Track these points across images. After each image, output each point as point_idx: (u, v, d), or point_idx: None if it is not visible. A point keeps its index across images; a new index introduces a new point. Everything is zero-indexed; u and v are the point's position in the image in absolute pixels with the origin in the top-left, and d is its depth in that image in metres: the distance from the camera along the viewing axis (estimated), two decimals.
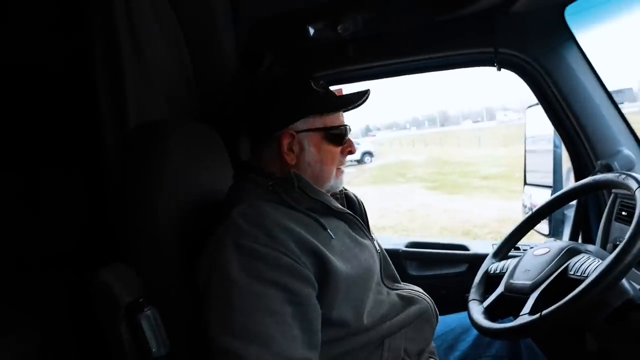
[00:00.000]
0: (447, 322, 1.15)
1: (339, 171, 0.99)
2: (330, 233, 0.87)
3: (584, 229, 1.36)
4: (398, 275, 1.05)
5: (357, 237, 0.95)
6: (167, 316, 0.87)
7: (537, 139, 1.97)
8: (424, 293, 1.04)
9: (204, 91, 1.39)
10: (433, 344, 1.05)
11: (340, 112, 0.99)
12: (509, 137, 20.39)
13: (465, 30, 1.31)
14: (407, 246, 1.61)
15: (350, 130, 1.00)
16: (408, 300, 0.98)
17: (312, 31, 1.37)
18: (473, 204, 8.35)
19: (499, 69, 1.31)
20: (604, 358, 1.00)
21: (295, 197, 0.88)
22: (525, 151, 2.00)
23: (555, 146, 1.81)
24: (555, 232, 1.61)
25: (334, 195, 1.02)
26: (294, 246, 0.80)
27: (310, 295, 0.80)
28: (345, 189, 1.07)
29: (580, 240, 1.40)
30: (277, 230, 0.80)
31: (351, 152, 1.00)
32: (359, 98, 0.98)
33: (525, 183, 2.01)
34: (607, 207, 1.15)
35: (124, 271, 0.89)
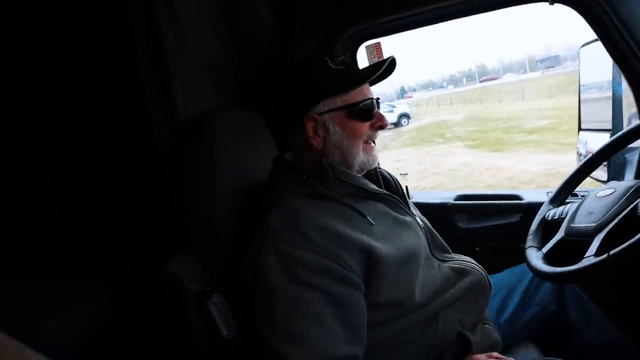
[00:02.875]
0: (494, 283, 1.12)
1: (368, 146, 0.96)
2: (370, 219, 0.87)
3: None
4: (448, 246, 1.04)
5: (398, 215, 0.94)
6: (231, 301, 0.92)
7: (592, 86, 1.84)
8: (476, 263, 1.02)
9: (244, 66, 1.40)
10: (487, 311, 1.04)
11: (366, 86, 0.96)
12: (554, 87, 19.17)
13: None
14: (455, 199, 1.58)
15: (377, 102, 0.97)
16: (461, 272, 0.97)
17: None
18: (518, 159, 8.03)
19: (552, 4, 1.21)
20: None
21: (330, 186, 0.89)
22: (579, 94, 1.87)
23: (614, 89, 1.68)
24: (615, 178, 1.52)
25: (368, 176, 1.01)
26: (334, 246, 0.81)
27: (350, 294, 0.81)
28: (379, 168, 1.06)
29: None
30: (312, 231, 0.81)
31: (382, 127, 0.97)
32: (381, 68, 0.93)
33: (580, 129, 1.89)
34: None
35: (190, 261, 0.94)
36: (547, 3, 1.21)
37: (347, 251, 0.81)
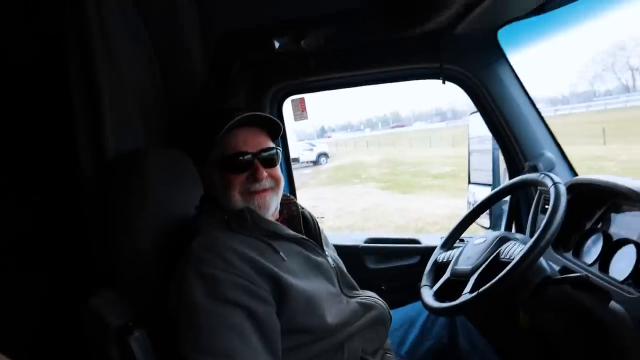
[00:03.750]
0: (397, 317, 1.29)
1: (246, 197, 1.02)
2: (282, 255, 0.97)
3: (516, 221, 1.57)
4: (356, 284, 1.16)
5: (311, 256, 1.04)
6: (155, 337, 0.94)
7: (481, 139, 2.19)
8: (379, 298, 1.16)
9: (176, 108, 1.45)
10: (388, 341, 1.18)
11: (243, 138, 1.01)
12: (457, 137, 21.36)
13: (415, 48, 1.48)
14: (365, 242, 1.77)
15: (254, 155, 1.01)
16: (367, 307, 1.10)
17: (277, 44, 1.48)
18: (424, 202, 8.73)
19: (443, 82, 1.49)
20: (534, 333, 1.19)
21: (248, 228, 0.98)
22: (469, 153, 2.20)
23: (493, 148, 2.02)
24: (495, 225, 1.82)
25: (290, 214, 1.13)
26: (248, 269, 0.90)
27: (267, 311, 0.90)
28: (302, 208, 1.17)
29: (513, 230, 1.61)
30: (232, 256, 0.90)
31: (257, 179, 1.01)
32: (228, 124, 0.98)
33: (469, 182, 2.22)
34: (535, 201, 1.36)
35: (112, 296, 0.94)
36: (440, 81, 1.49)
37: (259, 275, 0.90)
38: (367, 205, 9.10)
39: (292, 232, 1.04)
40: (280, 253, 0.97)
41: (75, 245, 1.13)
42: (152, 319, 0.96)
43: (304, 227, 1.13)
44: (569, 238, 1.24)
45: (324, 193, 11.39)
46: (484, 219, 1.85)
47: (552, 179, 1.03)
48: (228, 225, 0.97)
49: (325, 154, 21.68)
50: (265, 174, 1.02)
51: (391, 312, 1.17)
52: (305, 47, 1.46)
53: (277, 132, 1.10)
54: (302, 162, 19.98)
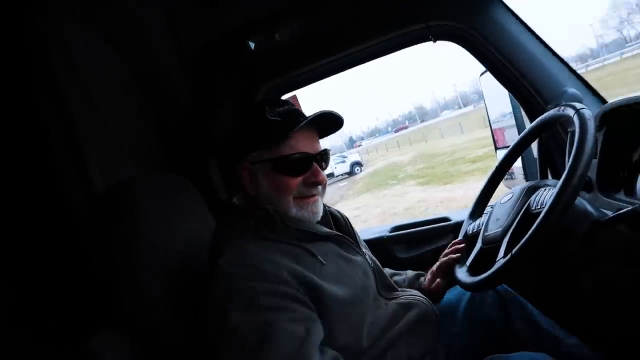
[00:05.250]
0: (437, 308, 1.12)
1: (301, 201, 0.94)
2: (321, 259, 0.88)
3: (551, 169, 1.37)
4: (394, 283, 1.05)
5: (349, 255, 0.96)
6: None
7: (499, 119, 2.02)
8: (420, 295, 1.03)
9: (164, 132, 1.42)
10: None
11: (301, 139, 0.92)
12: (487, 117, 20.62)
13: (396, 12, 1.36)
14: (390, 231, 1.62)
15: (320, 156, 0.94)
16: (405, 306, 0.97)
17: (252, 45, 1.42)
18: (468, 188, 8.38)
19: (434, 41, 1.36)
20: (600, 294, 1.01)
21: (279, 232, 0.88)
22: (489, 118, 2.04)
23: (514, 109, 1.85)
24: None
25: None
26: (282, 274, 0.80)
27: (311, 314, 0.81)
28: (329, 207, 1.07)
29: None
30: (265, 265, 0.81)
31: (317, 183, 0.94)
32: (304, 121, 0.90)
33: (496, 148, 2.04)
34: (567, 146, 1.18)
35: (114, 337, 0.89)
36: (431, 42, 1.36)
37: (296, 281, 0.81)
38: (409, 204, 8.84)
39: (326, 230, 0.95)
40: (318, 257, 0.87)
41: (72, 286, 1.10)
42: (158, 355, 0.89)
43: (335, 226, 1.03)
44: (617, 176, 1.06)
45: (364, 200, 11.22)
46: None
47: (573, 107, 0.88)
48: (256, 233, 0.88)
49: (358, 163, 21.53)
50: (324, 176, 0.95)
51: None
52: (281, 39, 1.39)
53: (324, 133, 1.01)
54: (337, 176, 19.92)
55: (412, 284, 1.13)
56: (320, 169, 0.94)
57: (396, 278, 1.16)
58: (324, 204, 1.06)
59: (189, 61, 1.47)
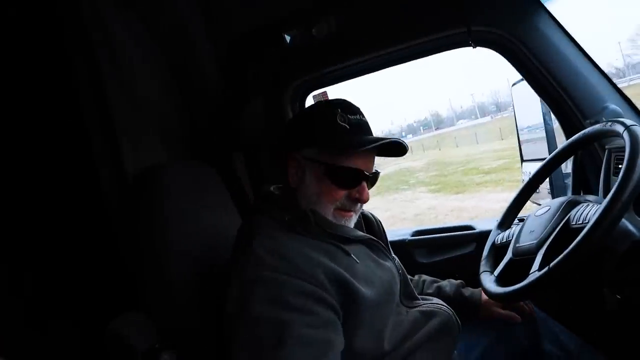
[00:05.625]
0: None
1: (339, 213, 0.92)
2: (355, 258, 0.87)
3: (584, 186, 1.34)
4: (416, 293, 1.03)
5: (379, 259, 0.95)
6: (186, 358, 0.88)
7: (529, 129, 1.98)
8: (444, 303, 1.01)
9: (194, 121, 1.43)
10: (455, 352, 1.01)
11: (362, 156, 0.90)
12: (504, 129, 20.42)
13: (436, 14, 1.34)
14: (412, 235, 1.60)
15: (368, 177, 0.92)
16: (428, 315, 0.96)
17: (288, 38, 1.41)
18: (479, 199, 8.32)
19: (474, 47, 1.33)
20: (624, 314, 0.99)
21: (312, 231, 0.87)
22: (517, 128, 2.01)
23: (545, 121, 1.82)
24: None
25: None
26: (318, 274, 0.79)
27: (335, 320, 0.80)
28: (362, 210, 1.04)
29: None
30: (298, 259, 0.80)
31: (360, 200, 0.92)
32: (375, 144, 0.88)
33: (522, 160, 2.01)
34: (604, 163, 1.15)
35: (137, 319, 0.90)
36: (471, 47, 1.33)
37: (328, 280, 0.80)
38: (419, 211, 8.80)
39: (359, 233, 0.94)
40: (352, 255, 0.87)
41: (99, 270, 1.11)
42: (181, 339, 0.90)
43: (367, 229, 1.03)
44: None
45: (374, 203, 11.15)
46: (547, 199, 1.65)
47: (623, 123, 0.85)
48: (290, 227, 0.87)
49: None
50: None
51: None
52: (317, 35, 1.38)
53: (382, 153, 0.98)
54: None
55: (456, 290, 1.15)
56: (367, 189, 0.93)
57: (440, 284, 1.17)
58: None
59: (223, 52, 1.47)
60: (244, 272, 0.80)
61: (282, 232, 0.86)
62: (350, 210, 0.93)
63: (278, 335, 0.73)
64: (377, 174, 0.95)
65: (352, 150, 0.88)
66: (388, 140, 0.89)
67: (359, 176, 0.90)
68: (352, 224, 0.95)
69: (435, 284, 1.18)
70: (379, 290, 0.87)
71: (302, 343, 0.73)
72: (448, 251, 1.52)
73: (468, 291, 1.15)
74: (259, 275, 0.78)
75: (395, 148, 0.94)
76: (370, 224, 1.06)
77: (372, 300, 0.84)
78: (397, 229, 1.67)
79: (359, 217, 1.02)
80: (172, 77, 1.37)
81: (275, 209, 0.92)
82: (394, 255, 1.03)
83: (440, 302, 1.02)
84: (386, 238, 1.04)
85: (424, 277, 1.21)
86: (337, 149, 0.89)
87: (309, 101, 1.62)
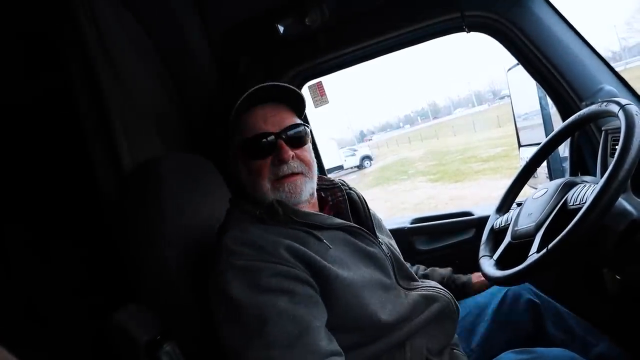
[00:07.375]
0: (463, 304, 1.12)
1: (278, 183, 0.91)
2: (327, 243, 0.87)
3: (582, 168, 1.34)
4: (414, 274, 1.03)
5: (362, 245, 0.93)
6: (188, 348, 0.89)
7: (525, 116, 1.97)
8: (443, 288, 1.01)
9: (190, 113, 1.42)
10: (456, 336, 1.02)
11: (262, 120, 0.91)
12: (502, 117, 20.38)
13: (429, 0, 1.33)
14: (412, 222, 1.61)
15: (279, 135, 0.90)
16: (429, 299, 0.96)
17: (281, 29, 1.40)
18: (479, 186, 8.32)
19: (468, 32, 1.32)
20: (626, 296, 0.99)
21: (282, 221, 0.88)
22: (513, 113, 2.00)
23: (542, 105, 1.81)
24: None
25: (337, 199, 1.01)
26: (286, 255, 0.81)
27: (313, 294, 0.81)
28: (350, 189, 1.04)
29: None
30: (266, 245, 0.81)
31: (282, 161, 0.90)
32: (278, 100, 0.92)
33: (519, 145, 2.01)
34: (601, 144, 1.15)
35: (138, 311, 0.91)
36: (464, 32, 1.32)
37: (294, 257, 0.81)
38: (419, 200, 8.81)
39: (337, 221, 0.92)
40: (324, 241, 0.86)
41: (97, 263, 1.11)
42: (182, 330, 0.91)
43: (353, 211, 1.01)
44: None
45: (373, 194, 11.18)
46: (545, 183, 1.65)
47: (618, 102, 0.85)
48: (261, 220, 0.88)
49: (368, 157, 21.45)
50: (291, 154, 0.90)
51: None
52: (311, 24, 1.36)
53: (302, 106, 0.98)
54: (346, 169, 19.87)
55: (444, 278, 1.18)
56: (286, 147, 0.90)
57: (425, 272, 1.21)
58: (345, 184, 1.05)
59: (216, 43, 1.46)
60: (217, 264, 0.82)
61: (252, 224, 0.87)
62: (287, 175, 0.91)
63: (259, 315, 0.75)
64: (293, 126, 0.92)
65: (238, 115, 0.90)
66: (254, 88, 0.89)
67: (266, 137, 0.90)
68: (305, 188, 0.92)
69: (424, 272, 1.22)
70: (359, 276, 0.87)
71: (284, 319, 0.75)
72: (448, 238, 1.53)
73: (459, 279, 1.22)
74: (232, 265, 0.80)
75: (290, 94, 0.94)
76: (356, 208, 1.03)
77: (351, 282, 0.84)
78: (395, 217, 1.67)
79: (345, 200, 1.01)
80: (166, 69, 1.37)
81: (246, 203, 0.93)
82: (381, 239, 1.00)
83: (438, 285, 1.02)
84: (372, 220, 1.02)
85: (417, 265, 1.24)
86: (232, 124, 0.91)
87: (305, 91, 1.61)
